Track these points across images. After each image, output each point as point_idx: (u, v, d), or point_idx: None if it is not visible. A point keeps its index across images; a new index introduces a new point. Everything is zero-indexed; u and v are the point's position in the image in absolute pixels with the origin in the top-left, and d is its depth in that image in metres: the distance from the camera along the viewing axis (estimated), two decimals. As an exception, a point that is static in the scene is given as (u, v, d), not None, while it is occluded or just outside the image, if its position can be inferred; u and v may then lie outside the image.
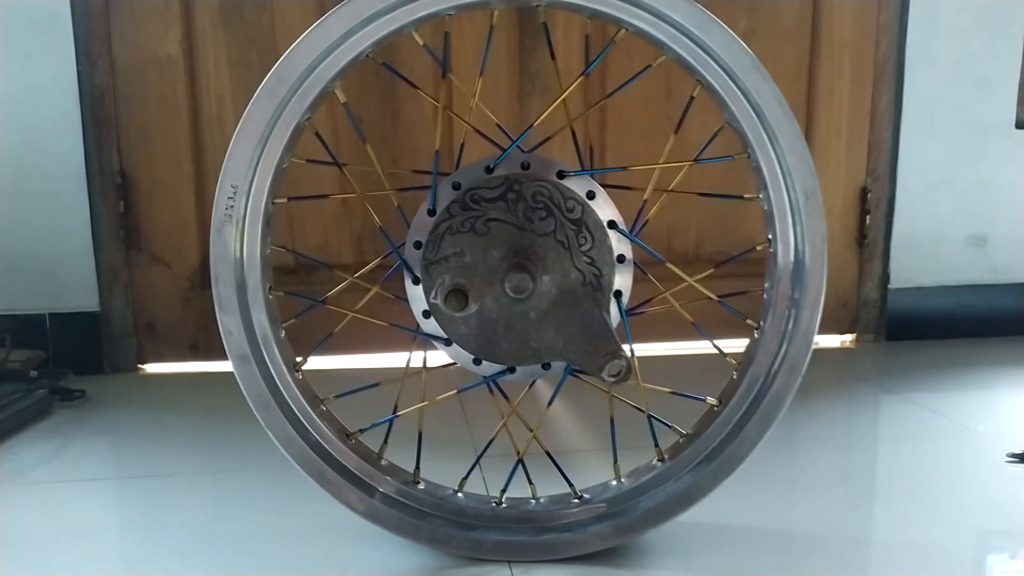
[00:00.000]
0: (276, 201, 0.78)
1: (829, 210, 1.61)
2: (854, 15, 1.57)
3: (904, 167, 1.62)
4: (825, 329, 1.63)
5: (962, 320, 1.67)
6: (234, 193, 0.75)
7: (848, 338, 1.66)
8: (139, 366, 1.48)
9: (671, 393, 0.82)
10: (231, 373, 0.78)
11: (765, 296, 0.81)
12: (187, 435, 1.16)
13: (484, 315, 0.76)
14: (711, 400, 0.82)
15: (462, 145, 0.79)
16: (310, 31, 0.72)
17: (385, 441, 0.84)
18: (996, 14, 1.59)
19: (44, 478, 1.03)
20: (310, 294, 1.53)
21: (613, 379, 0.73)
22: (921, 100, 1.60)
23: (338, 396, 0.83)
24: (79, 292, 1.43)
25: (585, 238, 0.76)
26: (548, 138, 0.81)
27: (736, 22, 1.55)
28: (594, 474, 0.87)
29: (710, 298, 0.81)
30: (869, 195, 1.62)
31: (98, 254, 1.43)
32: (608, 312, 0.77)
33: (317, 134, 0.78)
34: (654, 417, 0.82)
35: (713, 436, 0.81)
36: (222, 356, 0.73)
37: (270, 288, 0.80)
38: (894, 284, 1.65)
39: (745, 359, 0.82)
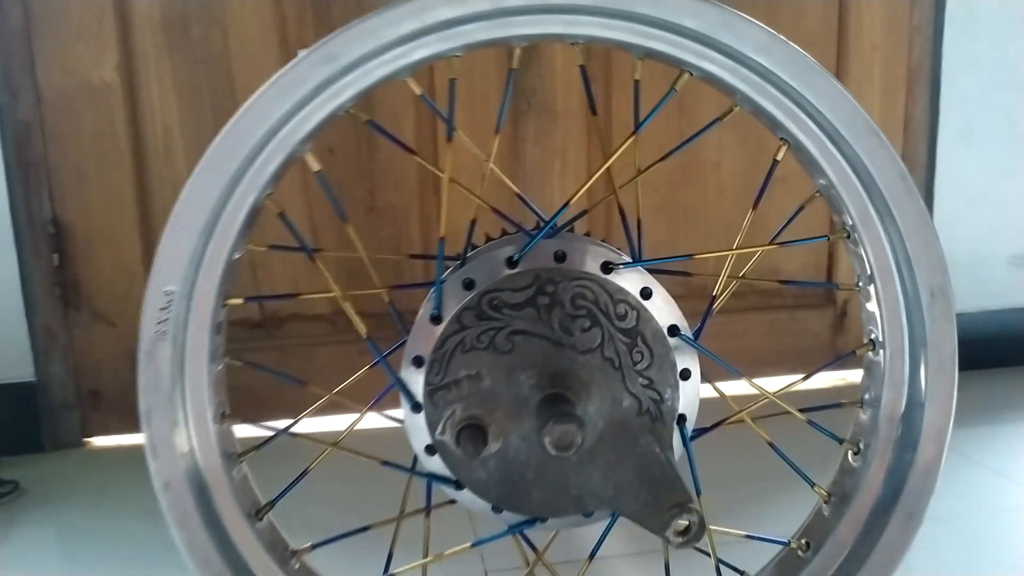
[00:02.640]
0: (230, 303, 0.59)
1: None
2: (885, 15, 1.40)
3: (941, 181, 1.46)
4: (856, 362, 1.47)
5: (1006, 347, 1.52)
6: (169, 302, 0.55)
7: None
8: (84, 440, 1.27)
9: (746, 537, 0.65)
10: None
11: (865, 415, 0.63)
12: (141, 543, 0.96)
13: (508, 455, 0.58)
14: (796, 544, 0.64)
15: (473, 223, 0.60)
16: (270, 84, 0.53)
17: (377, 602, 0.65)
18: (1040, 11, 1.43)
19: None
20: (281, 350, 1.36)
21: (681, 540, 0.55)
22: (959, 107, 1.44)
23: (315, 546, 0.64)
24: (11, 360, 1.22)
25: (641, 353, 0.57)
26: (585, 212, 0.62)
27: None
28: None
29: (794, 415, 0.62)
30: None
31: (31, 315, 1.22)
32: (671, 447, 0.59)
33: (282, 215, 0.59)
34: (723, 563, 0.64)
35: (799, 590, 0.64)
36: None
37: (223, 415, 0.60)
38: (930, 311, 1.50)
39: (838, 491, 0.64)
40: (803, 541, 0.65)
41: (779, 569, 0.66)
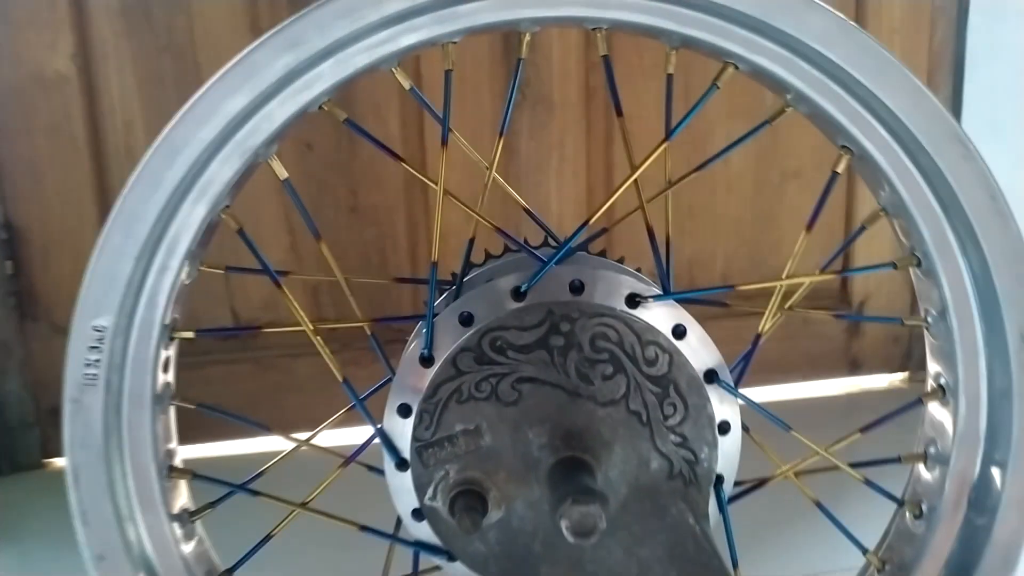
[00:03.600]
0: (178, 335, 0.49)
1: (877, 224, 1.36)
2: (905, -4, 1.31)
3: (964, 175, 1.37)
4: (872, 368, 1.38)
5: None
6: (100, 340, 0.45)
7: (899, 377, 1.39)
8: (44, 460, 1.17)
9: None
10: None
11: (929, 474, 0.53)
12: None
13: (511, 525, 0.48)
14: (845, 621, 0.55)
15: (471, 242, 0.50)
16: (220, 77, 0.43)
17: None
18: (1073, -9, 1.33)
19: None
20: (256, 362, 1.26)
21: (719, 630, 0.45)
22: (984, 95, 1.33)
23: (282, 619, 0.55)
24: (-38, 378, 1.12)
25: (673, 405, 0.48)
26: (604, 231, 0.52)
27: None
28: None
29: (851, 475, 0.53)
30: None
31: (-18, 328, 1.12)
32: (706, 516, 0.49)
33: (241, 233, 0.49)
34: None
35: (848, 675, 0.55)
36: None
37: (172, 468, 0.51)
38: (953, 311, 1.40)
39: (895, 559, 0.55)
40: (853, 615, 0.55)
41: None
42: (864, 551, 0.55)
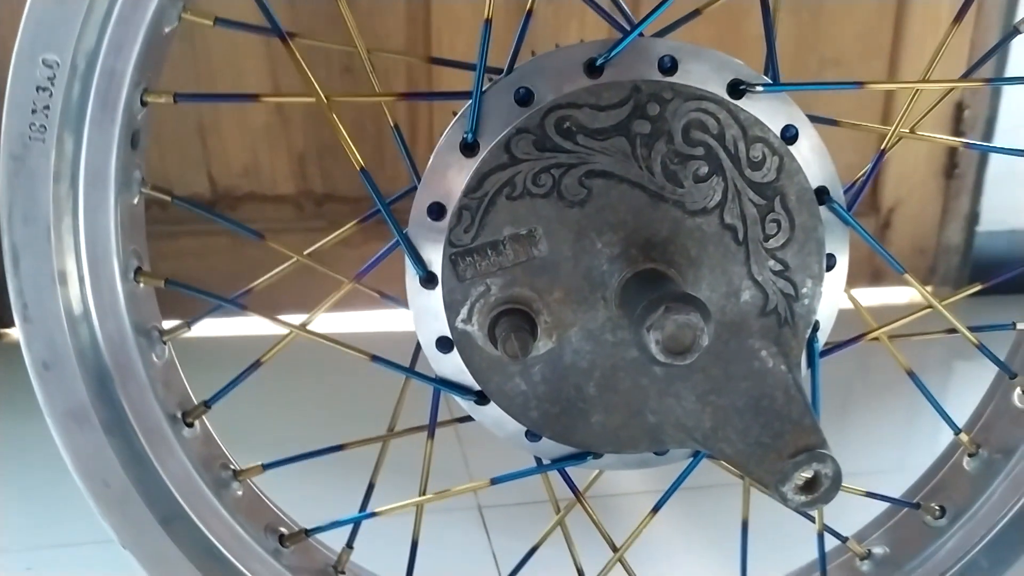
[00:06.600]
0: (152, 99, 0.39)
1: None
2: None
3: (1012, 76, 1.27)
4: (895, 279, 1.30)
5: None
6: (51, 80, 0.35)
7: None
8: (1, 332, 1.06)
9: (866, 495, 0.47)
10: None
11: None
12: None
13: (563, 360, 0.39)
14: (931, 513, 0.47)
15: (528, 12, 0.39)
16: None
17: (349, 546, 0.47)
18: None
19: None
20: (235, 235, 1.13)
21: (804, 498, 0.37)
22: None
23: (268, 466, 0.46)
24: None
25: (778, 222, 0.38)
26: (696, 12, 0.41)
27: None
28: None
29: (967, 338, 0.44)
30: (965, 112, 1.26)
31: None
32: (799, 366, 0.40)
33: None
34: (828, 529, 0.47)
35: (929, 565, 0.47)
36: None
37: (138, 270, 0.41)
38: (983, 226, 1.31)
39: (992, 442, 0.47)
40: (935, 505, 0.48)
41: (897, 537, 0.49)
42: (956, 430, 0.47)
